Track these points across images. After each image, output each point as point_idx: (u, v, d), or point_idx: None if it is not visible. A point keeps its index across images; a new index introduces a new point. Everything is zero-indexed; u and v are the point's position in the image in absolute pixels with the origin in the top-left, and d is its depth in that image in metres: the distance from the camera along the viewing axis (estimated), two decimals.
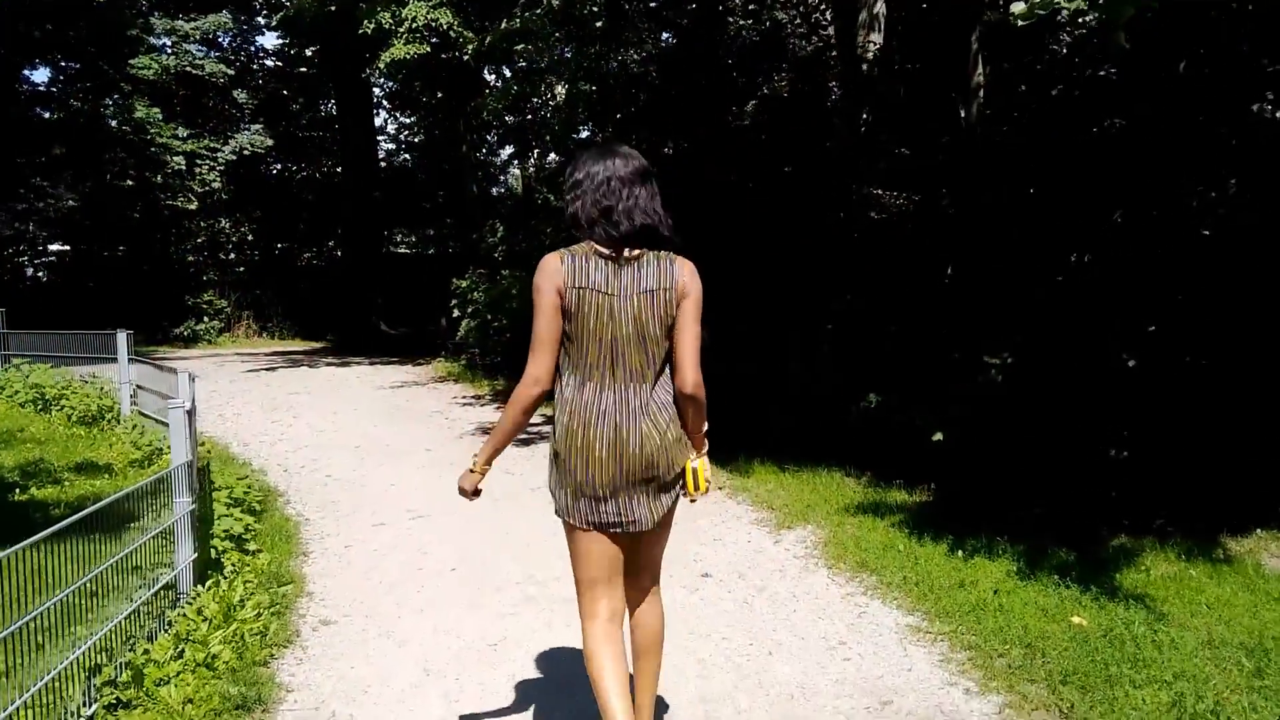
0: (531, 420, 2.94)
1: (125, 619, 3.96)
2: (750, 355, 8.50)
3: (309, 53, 22.87)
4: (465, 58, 11.08)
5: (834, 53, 12.06)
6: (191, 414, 4.77)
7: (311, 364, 14.88)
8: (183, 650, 3.87)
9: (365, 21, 11.95)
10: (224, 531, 5.10)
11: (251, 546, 5.28)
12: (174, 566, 4.53)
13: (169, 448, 5.98)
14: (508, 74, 11.27)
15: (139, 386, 8.59)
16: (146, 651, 3.78)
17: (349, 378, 12.99)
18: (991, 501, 6.25)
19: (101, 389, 9.27)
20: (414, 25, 11.90)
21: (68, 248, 22.56)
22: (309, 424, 9.54)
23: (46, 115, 20.52)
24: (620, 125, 12.53)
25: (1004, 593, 4.72)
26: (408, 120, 22.89)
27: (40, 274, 22.87)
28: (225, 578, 4.75)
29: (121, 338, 8.60)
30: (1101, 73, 8.33)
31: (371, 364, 14.78)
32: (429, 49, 12.11)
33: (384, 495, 6.90)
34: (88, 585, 4.01)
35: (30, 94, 20.79)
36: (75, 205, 21.64)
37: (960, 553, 5.36)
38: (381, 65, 11.95)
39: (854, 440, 7.62)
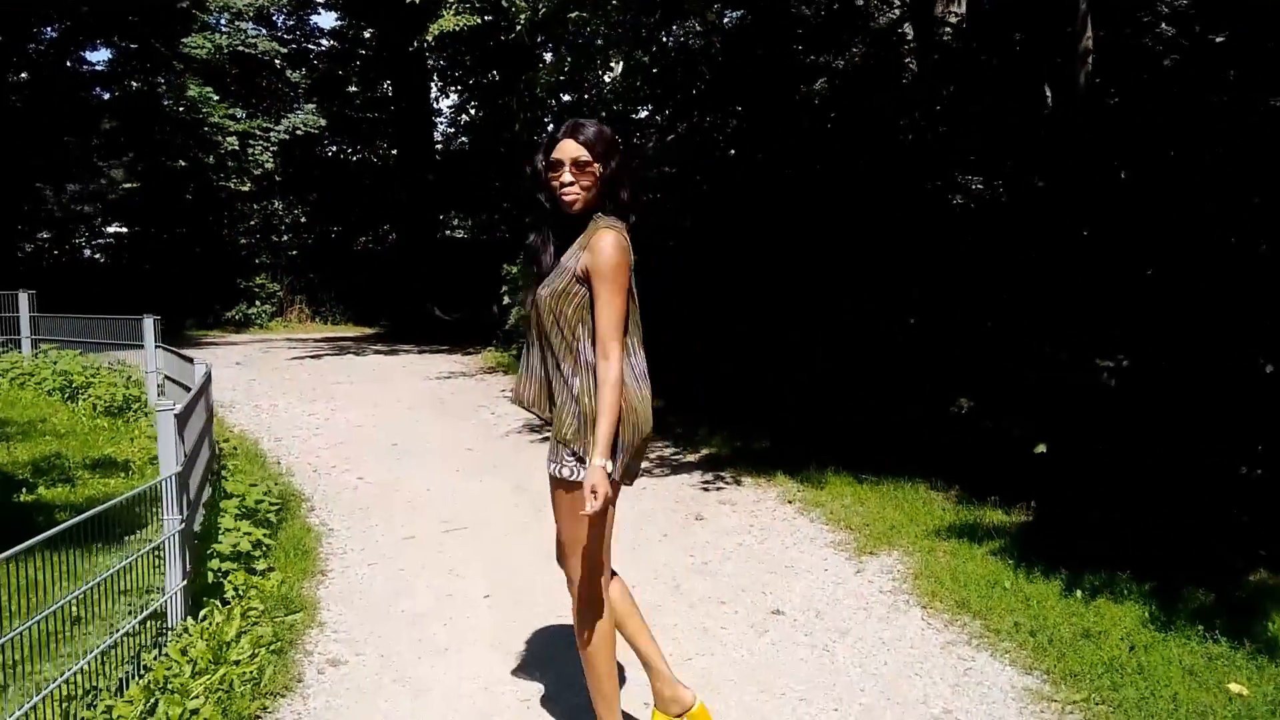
0: None
1: (98, 657, 3.36)
2: (824, 355, 7.73)
3: (367, 35, 22.49)
4: (518, 28, 10.42)
5: (907, 26, 11.19)
6: (184, 418, 4.15)
7: (359, 351, 14.38)
8: (155, 703, 3.25)
9: None
10: (230, 548, 4.49)
11: (260, 565, 4.66)
12: (164, 593, 3.93)
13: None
14: (563, 51, 10.56)
15: (167, 377, 8.07)
16: (109, 710, 3.15)
17: (395, 367, 12.44)
18: (1105, 526, 5.43)
19: (129, 378, 8.81)
20: None
21: (124, 229, 22.42)
22: (347, 418, 8.96)
23: (106, 96, 20.34)
24: (680, 104, 11.77)
25: (1140, 648, 3.92)
26: (459, 98, 22.31)
27: (97, 255, 22.76)
28: (223, 605, 4.13)
29: (148, 323, 8.10)
30: (1220, 39, 7.40)
31: (420, 352, 14.23)
32: (480, 21, 11.46)
33: (418, 502, 6.27)
34: (64, 611, 3.46)
35: (89, 74, 20.62)
36: (133, 187, 21.46)
37: (1079, 592, 4.56)
38: (430, 37, 11.33)
39: (940, 448, 6.82)
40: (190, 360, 6.68)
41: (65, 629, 4.00)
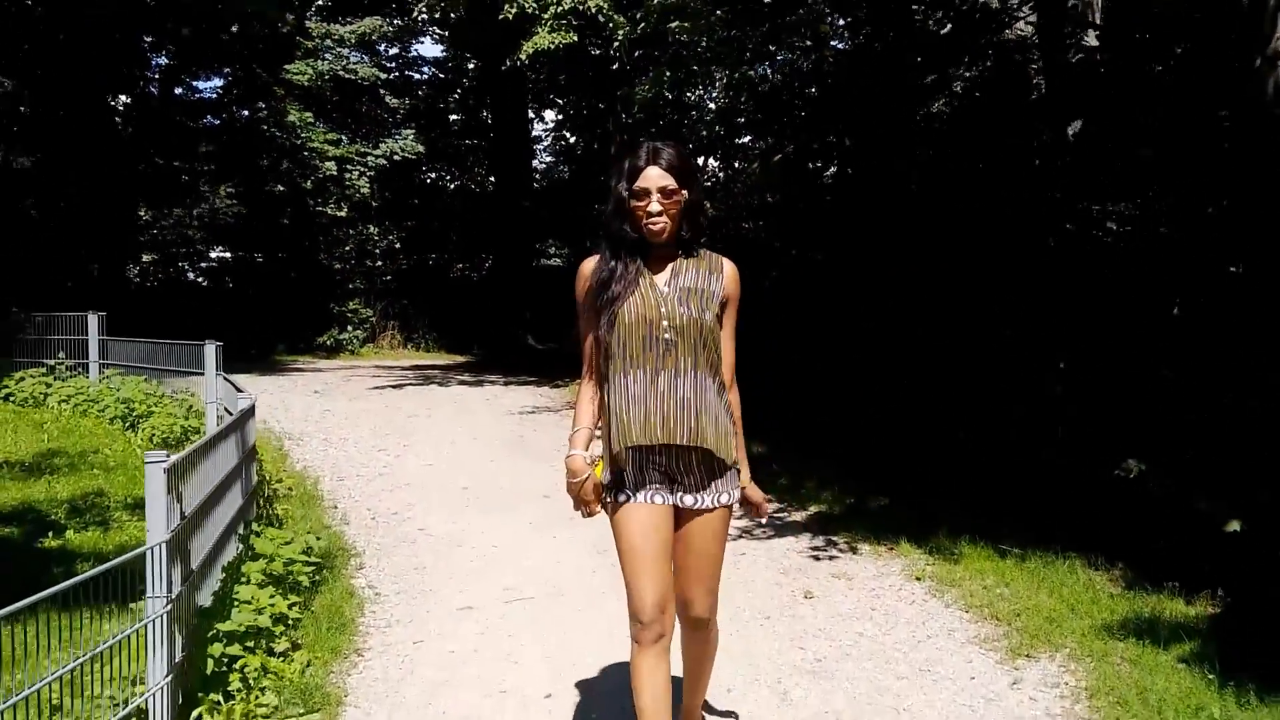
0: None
1: None
2: (953, 399, 6.70)
3: (470, 66, 22.31)
4: (615, 46, 9.72)
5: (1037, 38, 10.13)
6: (183, 469, 3.41)
7: (443, 381, 13.73)
8: None
9: (507, 6, 10.71)
10: (244, 625, 3.71)
11: (281, 644, 3.89)
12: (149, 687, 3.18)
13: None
14: (662, 67, 9.76)
15: (227, 408, 7.48)
16: None
17: (478, 399, 11.73)
18: None
19: (190, 408, 8.27)
20: (560, 9, 10.60)
21: (227, 253, 22.49)
22: (418, 456, 8.24)
23: (216, 122, 20.47)
24: (785, 125, 10.90)
25: None
26: (556, 123, 21.88)
27: (200, 279, 22.86)
28: (225, 701, 3.36)
29: (210, 350, 7.53)
30: None
31: (505, 384, 13.52)
32: (575, 39, 10.79)
33: (482, 561, 5.46)
34: (42, 698, 2.80)
35: (196, 101, 20.82)
36: (236, 211, 21.54)
37: None
38: (524, 55, 10.69)
39: (1098, 518, 5.74)
40: (239, 390, 6.04)
41: None
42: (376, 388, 12.51)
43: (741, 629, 4.48)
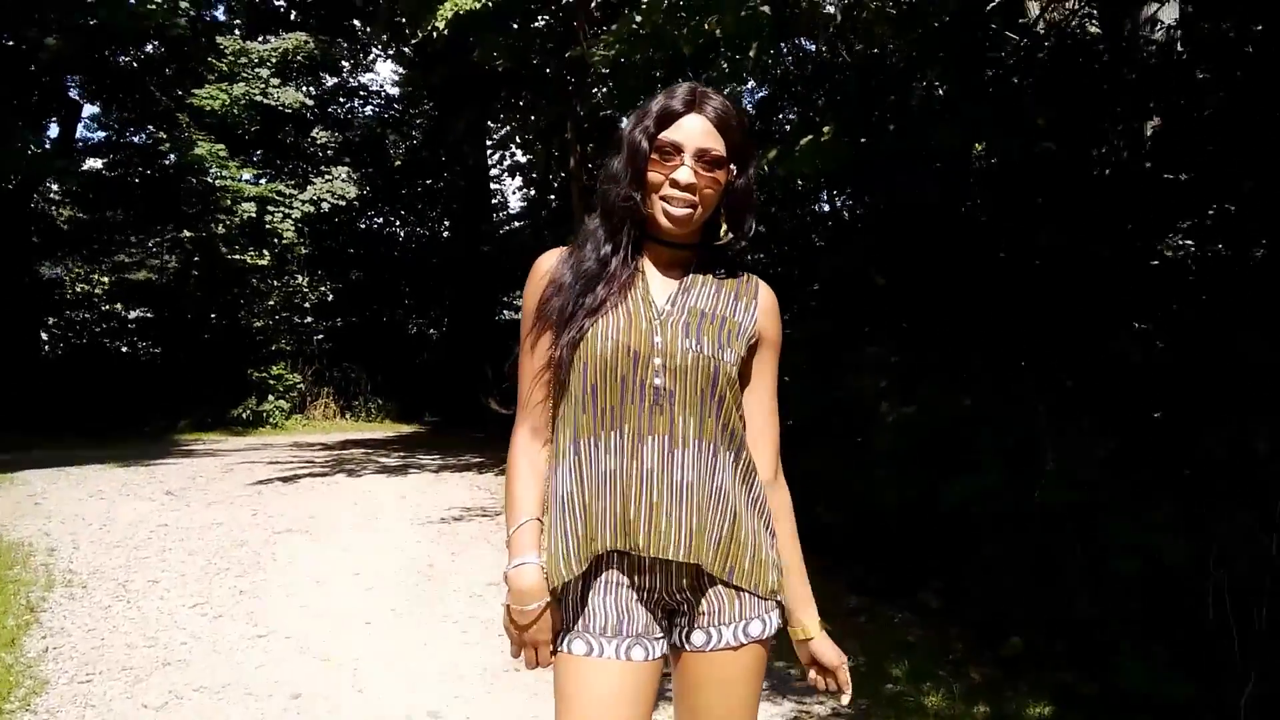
0: None
1: None
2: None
3: (428, 104, 19.89)
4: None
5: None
6: None
7: (358, 468, 10.57)
8: None
9: None
10: None
11: None
12: None
13: None
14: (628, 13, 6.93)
15: None
16: None
17: (389, 498, 8.65)
18: None
19: None
20: None
21: (145, 313, 19.60)
22: (253, 615, 5.22)
23: (116, 167, 17.84)
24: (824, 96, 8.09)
25: None
26: (503, 130, 19.27)
27: (118, 344, 19.90)
28: None
29: None
30: None
31: (438, 469, 10.46)
32: None
33: None
34: None
35: (99, 143, 18.23)
36: (149, 264, 18.81)
37: None
38: (440, 22, 7.95)
39: None
40: None
41: None
42: (260, 481, 9.40)
43: None
